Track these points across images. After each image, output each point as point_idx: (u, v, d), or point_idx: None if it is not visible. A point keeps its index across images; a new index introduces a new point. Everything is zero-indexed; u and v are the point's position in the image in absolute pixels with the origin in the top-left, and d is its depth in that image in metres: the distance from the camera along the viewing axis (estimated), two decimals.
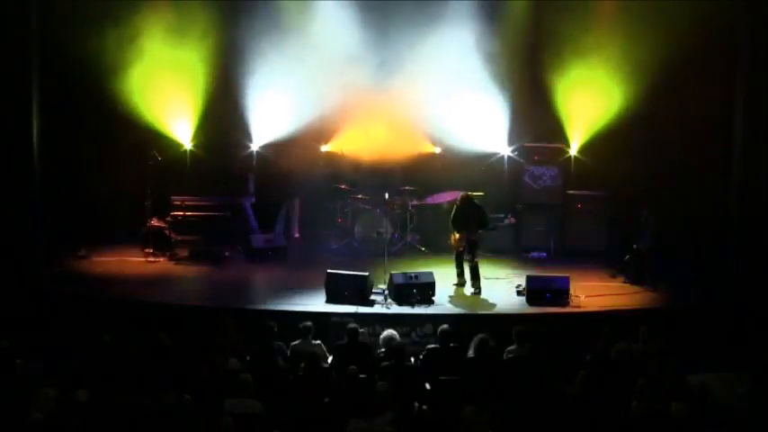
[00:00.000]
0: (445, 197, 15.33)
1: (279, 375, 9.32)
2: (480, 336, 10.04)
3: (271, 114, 15.81)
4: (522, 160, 15.78)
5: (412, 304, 12.14)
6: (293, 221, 16.00)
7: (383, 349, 10.23)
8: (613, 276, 13.79)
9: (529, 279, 12.63)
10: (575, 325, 11.65)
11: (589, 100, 15.31)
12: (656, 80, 14.78)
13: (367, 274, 12.60)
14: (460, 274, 13.20)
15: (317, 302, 12.23)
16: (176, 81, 15.55)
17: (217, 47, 15.51)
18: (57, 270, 13.64)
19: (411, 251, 15.04)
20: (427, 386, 9.50)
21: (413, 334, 11.59)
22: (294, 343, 10.30)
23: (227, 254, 14.66)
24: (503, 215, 13.91)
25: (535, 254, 15.18)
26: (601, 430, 8.36)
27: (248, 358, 9.86)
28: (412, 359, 10.19)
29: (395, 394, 8.60)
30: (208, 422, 8.18)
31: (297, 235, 15.97)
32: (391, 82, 15.22)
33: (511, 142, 15.96)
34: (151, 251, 14.57)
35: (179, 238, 14.96)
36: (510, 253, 15.18)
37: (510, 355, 10.15)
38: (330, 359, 10.24)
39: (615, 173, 15.19)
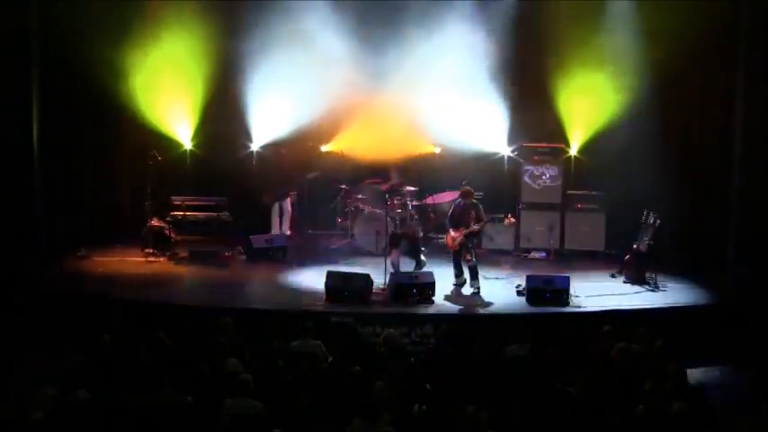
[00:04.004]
0: (445, 197, 15.31)
1: (279, 375, 9.32)
2: (481, 336, 10.03)
3: (271, 114, 15.79)
4: (522, 160, 15.77)
5: (412, 304, 12.13)
6: (285, 220, 15.94)
7: (383, 349, 10.23)
8: (613, 276, 13.80)
9: (529, 279, 12.63)
10: (575, 325, 11.65)
11: (589, 100, 15.30)
12: (656, 80, 14.78)
13: (367, 273, 12.58)
14: (459, 274, 13.18)
15: (316, 302, 12.22)
16: (176, 81, 15.53)
17: (217, 48, 15.49)
18: (57, 270, 13.64)
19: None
20: (427, 386, 9.49)
21: (413, 334, 11.59)
22: (294, 343, 10.30)
23: (227, 254, 14.66)
24: (503, 215, 13.93)
25: (535, 254, 15.19)
26: (601, 430, 8.36)
27: (248, 358, 9.85)
28: (412, 359, 10.19)
29: (395, 394, 8.60)
30: (208, 422, 8.18)
31: (288, 233, 15.90)
32: (392, 82, 15.21)
33: (511, 142, 15.95)
34: (151, 251, 14.55)
35: (179, 237, 14.96)
36: (510, 253, 15.19)
37: (510, 355, 10.14)
38: (330, 359, 10.23)
39: (615, 173, 15.17)
